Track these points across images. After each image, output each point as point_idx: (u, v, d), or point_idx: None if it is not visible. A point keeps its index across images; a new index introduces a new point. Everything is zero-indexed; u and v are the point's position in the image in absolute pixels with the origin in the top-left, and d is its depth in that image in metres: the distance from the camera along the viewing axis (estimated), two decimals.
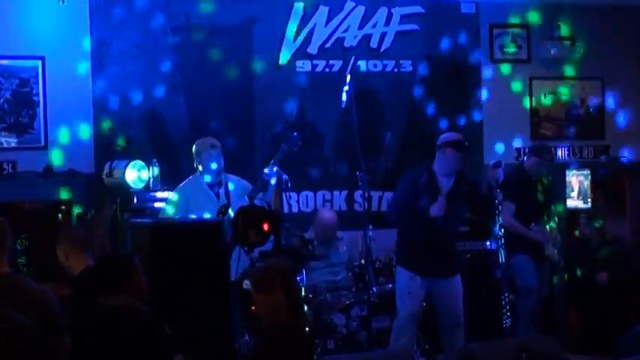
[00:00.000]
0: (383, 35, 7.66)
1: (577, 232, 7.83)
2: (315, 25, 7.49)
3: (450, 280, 5.99)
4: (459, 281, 6.03)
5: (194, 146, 6.22)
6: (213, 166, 6.10)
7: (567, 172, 8.13)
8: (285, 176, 6.05)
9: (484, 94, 8.02)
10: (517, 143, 8.13)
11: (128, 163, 6.40)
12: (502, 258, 6.30)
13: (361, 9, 7.59)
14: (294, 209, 7.26)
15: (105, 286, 3.95)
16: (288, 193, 6.26)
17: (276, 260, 4.73)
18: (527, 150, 7.12)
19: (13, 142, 6.73)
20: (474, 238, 7.10)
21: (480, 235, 7.10)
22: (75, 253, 4.75)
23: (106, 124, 6.92)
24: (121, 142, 6.88)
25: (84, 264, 4.66)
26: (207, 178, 6.13)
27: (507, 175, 6.94)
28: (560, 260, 7.23)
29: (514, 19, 8.13)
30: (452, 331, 6.00)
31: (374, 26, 7.65)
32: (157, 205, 6.31)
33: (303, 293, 6.10)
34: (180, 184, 6.21)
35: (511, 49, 8.12)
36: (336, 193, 7.56)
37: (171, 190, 6.27)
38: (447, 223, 5.92)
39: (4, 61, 6.71)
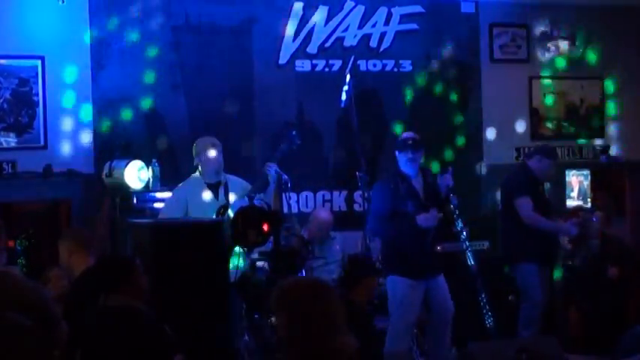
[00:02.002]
0: (383, 35, 7.65)
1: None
2: (314, 25, 7.49)
3: (440, 277, 6.03)
4: (443, 278, 6.07)
5: (194, 146, 6.22)
6: (214, 165, 6.10)
7: (567, 172, 8.13)
8: (285, 177, 6.05)
9: (484, 93, 8.02)
10: (517, 143, 8.13)
11: (128, 163, 6.40)
12: (470, 260, 6.23)
13: (361, 8, 7.59)
14: (294, 209, 7.24)
15: (105, 286, 3.95)
16: (287, 194, 6.27)
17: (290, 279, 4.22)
18: (534, 151, 7.06)
19: (12, 142, 6.72)
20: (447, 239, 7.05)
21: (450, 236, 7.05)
22: (78, 252, 4.76)
23: (106, 124, 6.92)
24: (120, 142, 6.88)
25: (85, 264, 4.67)
26: (207, 178, 6.13)
27: (515, 174, 6.94)
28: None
29: (514, 19, 8.13)
30: (441, 330, 5.99)
31: (374, 26, 7.64)
32: (156, 205, 6.31)
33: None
34: (180, 184, 6.21)
35: (511, 48, 8.12)
36: (335, 193, 7.56)
37: (171, 191, 6.27)
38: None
39: (4, 61, 6.70)
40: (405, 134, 6.14)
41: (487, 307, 6.16)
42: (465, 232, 6.15)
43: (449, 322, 6.00)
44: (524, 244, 6.52)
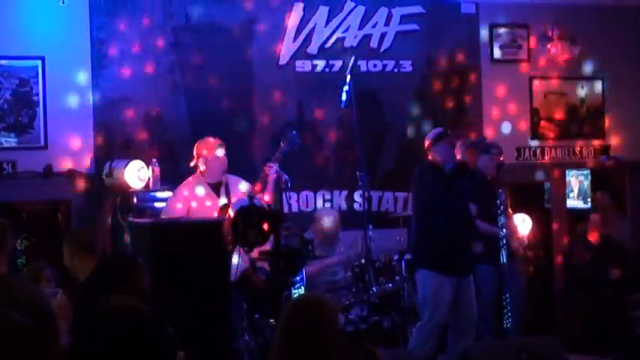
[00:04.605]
0: (383, 35, 7.65)
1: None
2: (315, 25, 7.49)
3: (470, 278, 6.03)
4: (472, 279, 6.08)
5: (198, 145, 6.20)
6: (221, 165, 6.10)
7: (567, 172, 8.14)
8: (285, 176, 6.06)
9: (484, 94, 8.02)
10: (517, 143, 8.13)
11: (128, 163, 6.40)
12: (503, 258, 6.30)
13: (361, 9, 7.59)
14: (294, 209, 7.25)
15: (107, 286, 3.95)
16: (287, 193, 6.27)
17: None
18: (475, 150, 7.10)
19: (12, 142, 6.72)
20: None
21: None
22: (80, 255, 4.75)
23: (106, 124, 6.91)
24: (120, 142, 6.89)
25: (90, 265, 4.67)
26: (210, 178, 6.13)
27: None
28: (529, 255, 7.22)
29: (514, 19, 8.13)
30: (466, 331, 5.97)
31: (374, 26, 7.64)
32: (157, 205, 6.31)
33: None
34: (181, 184, 6.21)
35: (511, 48, 8.12)
36: (336, 193, 7.56)
37: (172, 190, 6.27)
38: (466, 213, 6.04)
39: (4, 61, 6.70)
40: (435, 130, 6.22)
41: (508, 308, 6.19)
42: (504, 229, 6.21)
43: (473, 324, 6.00)
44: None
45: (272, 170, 6.03)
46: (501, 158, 6.82)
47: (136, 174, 6.41)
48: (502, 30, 8.10)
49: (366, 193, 6.62)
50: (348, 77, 6.55)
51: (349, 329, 5.61)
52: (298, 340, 3.04)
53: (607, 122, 8.41)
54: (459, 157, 6.19)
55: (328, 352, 3.04)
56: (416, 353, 5.79)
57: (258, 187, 6.02)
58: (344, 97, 6.53)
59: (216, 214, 5.90)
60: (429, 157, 6.14)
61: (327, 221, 6.87)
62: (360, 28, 7.60)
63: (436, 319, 5.90)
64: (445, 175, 5.97)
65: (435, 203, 5.94)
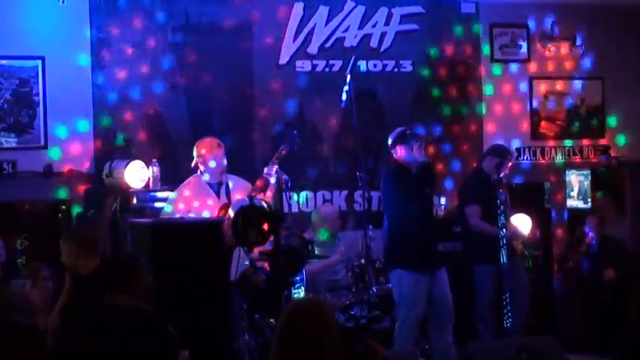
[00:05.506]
0: (383, 35, 7.65)
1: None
2: (315, 25, 7.49)
3: (442, 271, 6.06)
4: (446, 272, 6.10)
5: (197, 146, 6.20)
6: (220, 165, 6.11)
7: (567, 172, 8.14)
8: (285, 176, 6.06)
9: (484, 94, 8.02)
10: (517, 143, 8.13)
11: (128, 163, 6.40)
12: (503, 258, 6.30)
13: (361, 9, 7.59)
14: (294, 209, 7.25)
15: (110, 285, 3.96)
16: (288, 193, 6.27)
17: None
18: (485, 151, 7.11)
19: (12, 141, 6.72)
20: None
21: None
22: (85, 255, 4.76)
23: (106, 124, 6.92)
24: (120, 142, 6.89)
25: (93, 264, 4.67)
26: (210, 178, 6.13)
27: (468, 180, 6.98)
28: (527, 254, 7.22)
29: (514, 19, 8.13)
30: (445, 324, 6.00)
31: (374, 26, 7.64)
32: (157, 204, 6.31)
33: (302, 293, 6.12)
34: (182, 184, 6.21)
35: (511, 48, 8.11)
36: (336, 193, 7.55)
37: (172, 190, 6.27)
38: (431, 212, 6.12)
39: (4, 61, 6.70)
40: (395, 132, 6.19)
41: (509, 308, 6.20)
42: (504, 230, 6.20)
43: (451, 317, 6.02)
44: (477, 247, 6.56)
45: (272, 170, 6.03)
46: (510, 164, 6.87)
47: (136, 174, 6.41)
48: (502, 30, 8.09)
49: (366, 193, 6.61)
50: (348, 77, 6.55)
51: (350, 325, 5.62)
52: (296, 342, 3.05)
53: (607, 122, 8.42)
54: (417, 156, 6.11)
55: (326, 355, 3.05)
56: (400, 354, 5.81)
57: (259, 183, 6.01)
58: (344, 97, 6.52)
59: (216, 214, 5.90)
60: (393, 158, 6.16)
61: (327, 209, 6.96)
62: (360, 27, 7.60)
63: (413, 316, 5.93)
64: (412, 176, 5.97)
65: (403, 204, 5.97)
